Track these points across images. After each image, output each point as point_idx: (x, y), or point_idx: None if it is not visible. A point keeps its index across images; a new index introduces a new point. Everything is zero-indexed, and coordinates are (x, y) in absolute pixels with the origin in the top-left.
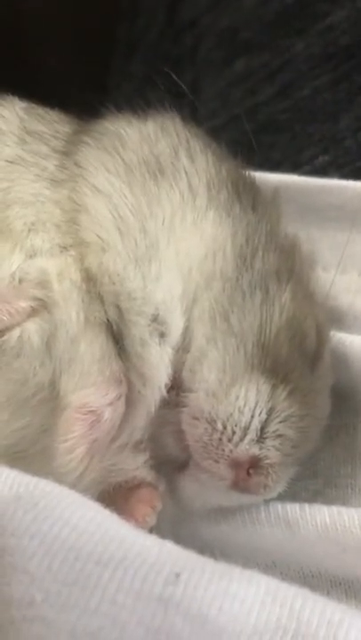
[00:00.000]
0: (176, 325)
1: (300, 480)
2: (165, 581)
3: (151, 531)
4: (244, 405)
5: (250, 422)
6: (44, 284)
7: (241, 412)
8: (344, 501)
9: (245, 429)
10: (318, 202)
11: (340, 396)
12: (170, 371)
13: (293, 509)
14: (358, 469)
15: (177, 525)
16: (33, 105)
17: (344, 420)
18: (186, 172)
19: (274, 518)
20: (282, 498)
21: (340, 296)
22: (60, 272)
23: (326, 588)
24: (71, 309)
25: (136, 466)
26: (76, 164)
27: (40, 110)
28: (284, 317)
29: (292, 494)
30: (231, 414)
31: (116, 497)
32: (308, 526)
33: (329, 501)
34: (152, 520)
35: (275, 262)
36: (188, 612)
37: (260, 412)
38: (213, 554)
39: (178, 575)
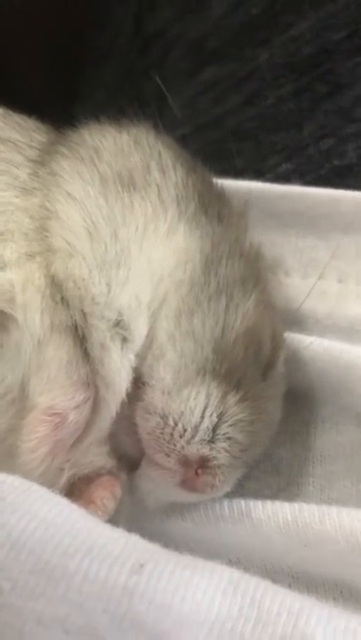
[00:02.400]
0: (140, 331)
1: (263, 478)
2: (130, 571)
3: (119, 523)
4: (195, 406)
5: (200, 423)
6: (11, 296)
7: (192, 412)
8: (305, 499)
9: (196, 429)
10: (280, 208)
11: (300, 397)
12: (131, 376)
13: (256, 506)
14: (319, 468)
15: (144, 523)
16: (10, 112)
17: (305, 420)
18: (157, 186)
19: (237, 515)
20: (245, 495)
21: (301, 300)
22: (25, 280)
23: (288, 582)
24: (34, 314)
25: (98, 455)
26: (51, 173)
27: (17, 118)
28: (245, 325)
29: (255, 492)
30: (183, 412)
31: (77, 486)
32: (270, 523)
33: (291, 498)
34: (111, 504)
35: (240, 270)
36: (152, 600)
37: (211, 414)
38: (178, 549)
39: (142, 565)
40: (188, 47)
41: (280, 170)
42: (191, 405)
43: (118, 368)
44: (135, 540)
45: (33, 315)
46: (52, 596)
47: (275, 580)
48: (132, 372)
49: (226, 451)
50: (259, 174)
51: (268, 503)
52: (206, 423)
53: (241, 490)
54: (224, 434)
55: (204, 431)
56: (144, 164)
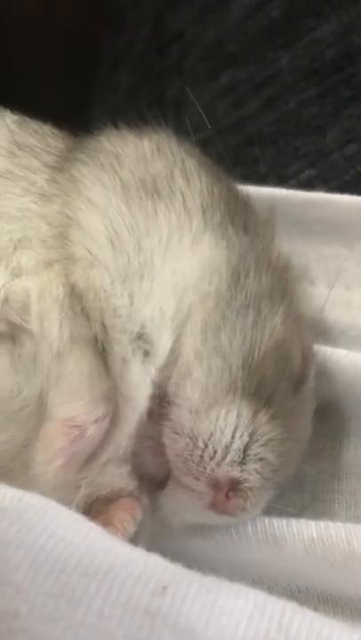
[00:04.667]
0: (163, 345)
1: (287, 495)
2: (152, 594)
3: (137, 544)
4: (225, 426)
5: (231, 443)
6: (25, 304)
7: (222, 433)
8: (331, 516)
9: (226, 450)
10: (305, 215)
11: (325, 410)
12: (151, 391)
13: (280, 525)
14: (345, 484)
15: (164, 541)
16: (26, 118)
17: (330, 434)
18: (182, 194)
19: (261, 534)
20: (269, 513)
21: (327, 310)
22: (41, 289)
23: (314, 603)
24: (53, 325)
25: (118, 477)
26: (70, 180)
27: (33, 124)
28: (273, 340)
29: (279, 509)
30: (213, 433)
31: (95, 507)
32: (295, 541)
33: (316, 516)
34: (131, 527)
35: (268, 283)
36: (175, 624)
37: (242, 435)
38: (201, 568)
39: (165, 588)
40: (206, 50)
41: (303, 176)
42: (221, 425)
43: (139, 382)
44: (156, 559)
45: (51, 325)
46: (71, 620)
47: (300, 601)
48: (152, 386)
49: (257, 472)
50: (281, 180)
51: (293, 521)
52: (237, 444)
53: (264, 507)
54: (255, 454)
55: (234, 452)
56: (167, 171)
